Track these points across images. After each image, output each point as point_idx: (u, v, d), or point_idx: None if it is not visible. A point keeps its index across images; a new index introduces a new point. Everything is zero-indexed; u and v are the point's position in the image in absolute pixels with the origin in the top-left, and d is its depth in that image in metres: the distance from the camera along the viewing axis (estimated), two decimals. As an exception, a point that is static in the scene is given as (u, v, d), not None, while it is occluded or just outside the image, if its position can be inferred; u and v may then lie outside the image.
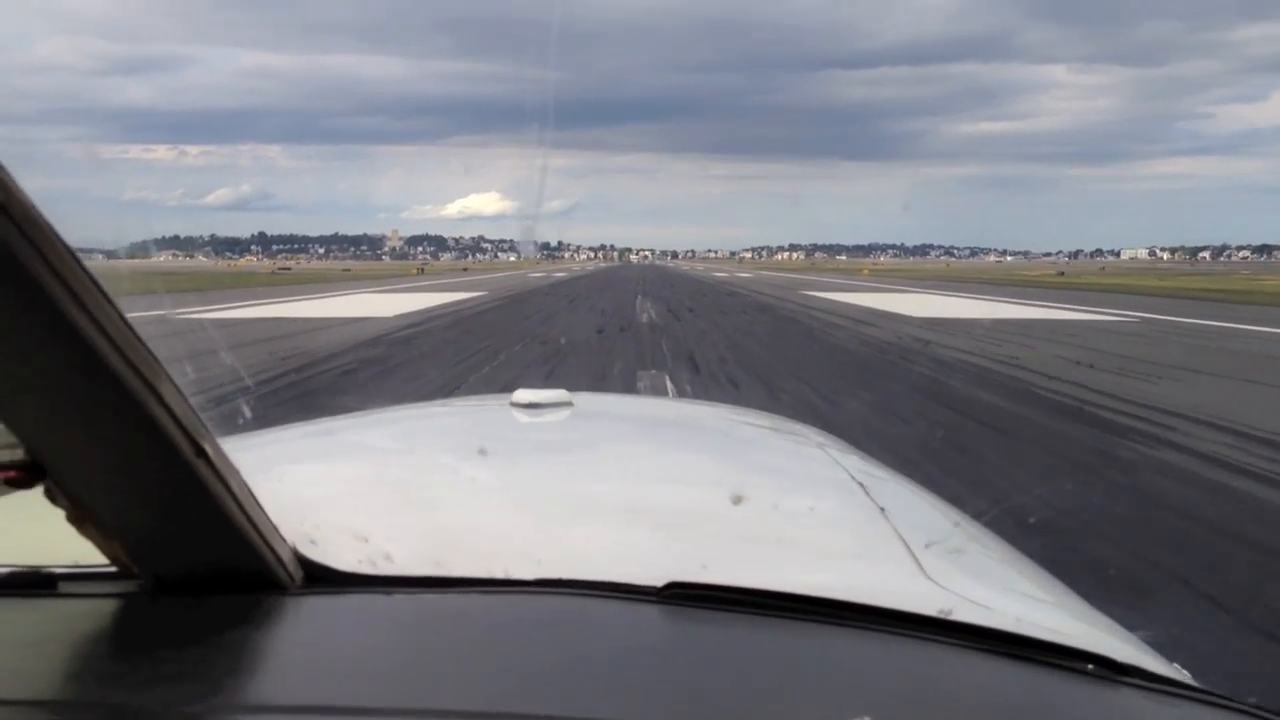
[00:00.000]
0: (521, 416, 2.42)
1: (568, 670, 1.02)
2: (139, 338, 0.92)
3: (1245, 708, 1.09)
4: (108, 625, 1.11)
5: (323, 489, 1.82)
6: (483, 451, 2.06)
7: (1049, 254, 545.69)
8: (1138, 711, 1.07)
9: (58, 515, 1.07)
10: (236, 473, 1.07)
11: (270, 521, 1.14)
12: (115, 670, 0.99)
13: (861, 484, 2.01)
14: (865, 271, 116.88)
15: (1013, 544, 1.93)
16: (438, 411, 3.23)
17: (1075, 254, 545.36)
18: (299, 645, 1.08)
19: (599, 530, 1.61)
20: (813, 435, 2.68)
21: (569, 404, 2.50)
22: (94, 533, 1.07)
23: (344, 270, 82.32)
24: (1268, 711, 1.08)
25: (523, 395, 2.47)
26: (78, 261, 0.86)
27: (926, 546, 1.64)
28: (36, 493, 1.03)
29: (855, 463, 2.27)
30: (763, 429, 2.83)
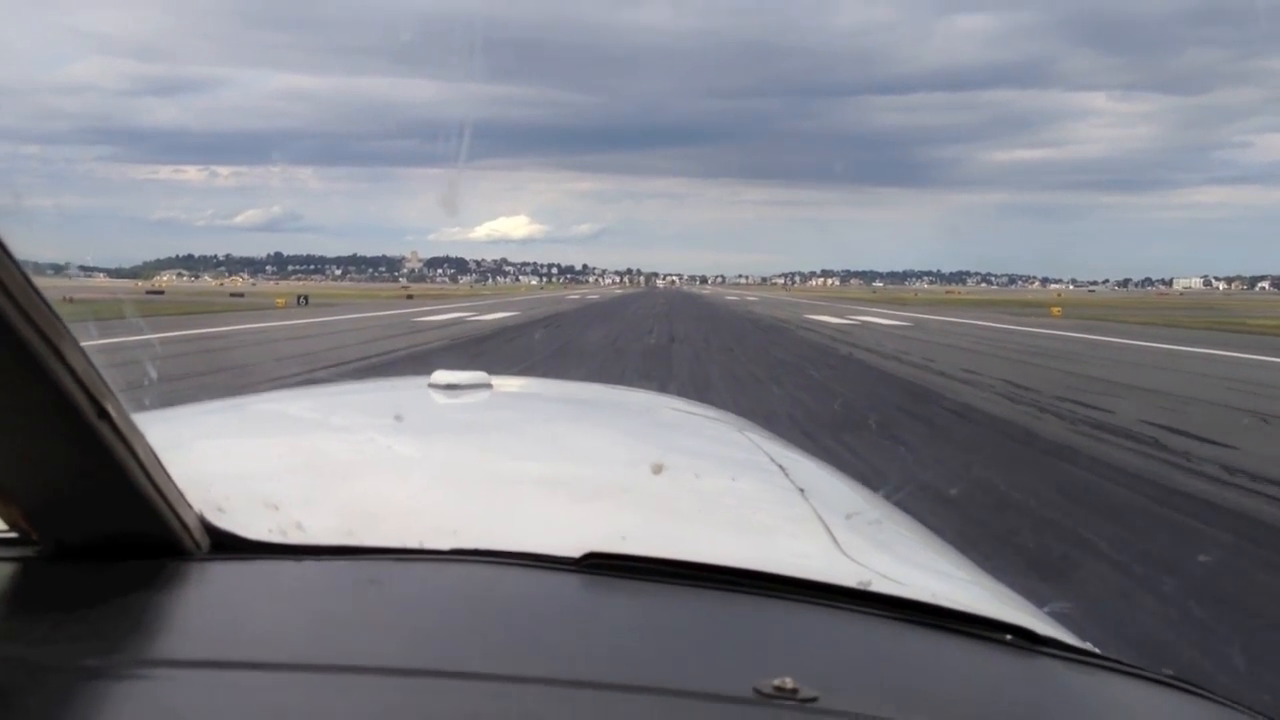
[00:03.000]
0: (439, 397, 2.43)
1: (482, 633, 1.01)
2: (41, 296, 0.90)
3: (1159, 677, 1.13)
4: (4, 589, 1.07)
5: (232, 460, 1.84)
6: (398, 418, 2.12)
7: (1094, 283, 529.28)
8: (1056, 679, 1.09)
9: None
10: (141, 436, 1.04)
11: (176, 488, 1.11)
12: (12, 628, 0.96)
13: (781, 466, 2.08)
14: (1054, 311, 63.64)
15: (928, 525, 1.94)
16: (353, 389, 3.25)
17: (1124, 282, 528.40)
18: (204, 607, 1.06)
19: (516, 503, 1.62)
20: (734, 421, 2.80)
21: (488, 385, 2.54)
22: None
23: (298, 298, 68.06)
24: (1181, 682, 1.13)
25: (441, 376, 2.49)
26: None
27: (847, 518, 1.73)
28: None
29: (776, 448, 2.32)
30: (684, 413, 2.91)
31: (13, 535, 1.10)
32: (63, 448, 1.00)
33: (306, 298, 72.36)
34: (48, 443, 0.99)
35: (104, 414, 0.98)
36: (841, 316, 50.07)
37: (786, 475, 2.00)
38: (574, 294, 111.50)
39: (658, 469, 1.71)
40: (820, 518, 1.67)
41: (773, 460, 2.13)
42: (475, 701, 0.90)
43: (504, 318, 45.46)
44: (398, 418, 2.08)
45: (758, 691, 0.91)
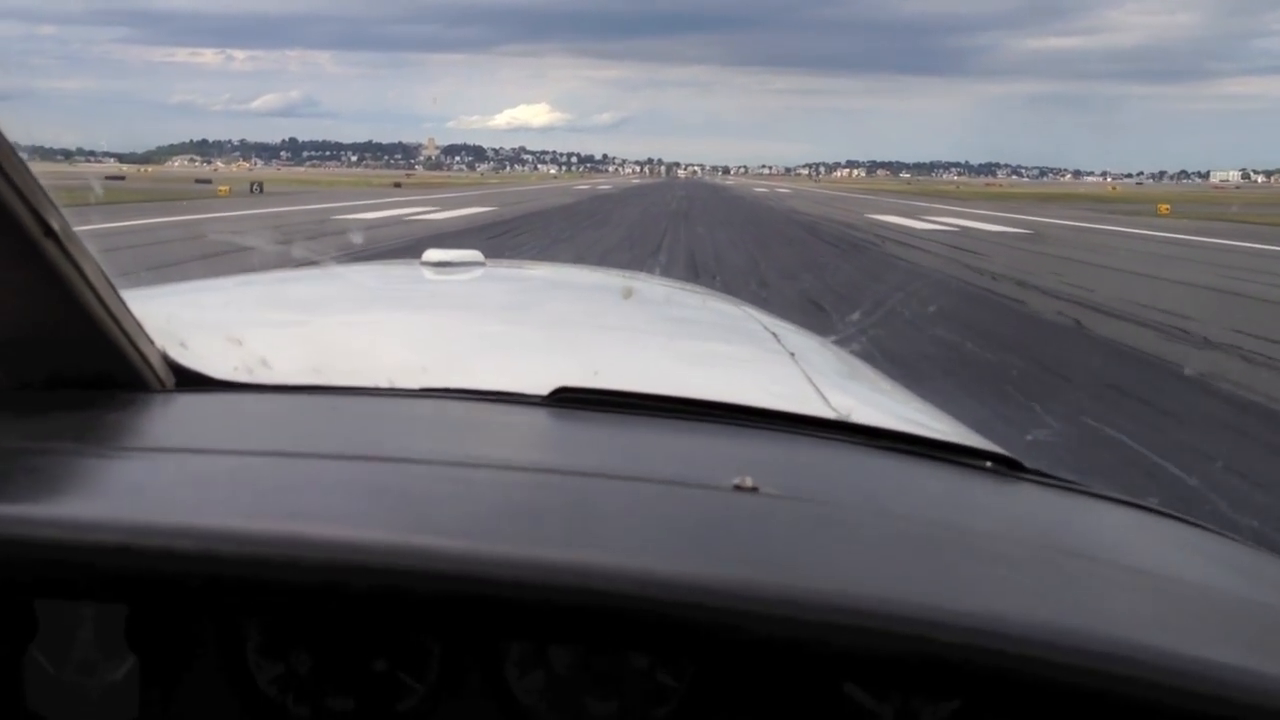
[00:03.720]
0: (429, 273, 2.43)
1: (451, 457, 1.01)
2: None
3: (1143, 504, 1.13)
4: None
5: (196, 305, 1.83)
6: (377, 291, 2.30)
7: (1129, 175, 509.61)
8: (1038, 501, 1.09)
9: None
10: (92, 259, 1.01)
11: (135, 320, 1.09)
12: None
13: (774, 334, 2.10)
14: (1165, 210, 48.31)
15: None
16: (341, 269, 3.15)
17: (1159, 175, 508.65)
18: (169, 436, 1.06)
19: (489, 349, 1.65)
20: (736, 301, 2.89)
21: (480, 263, 2.55)
22: None
23: (251, 186, 57.68)
24: (1164, 510, 1.13)
25: (433, 254, 2.47)
26: None
27: (835, 375, 1.77)
28: None
29: (776, 323, 2.33)
30: (682, 290, 3.16)
31: None
32: (10, 268, 0.96)
33: (261, 185, 62.22)
34: None
35: (50, 231, 0.94)
36: (915, 218, 38.21)
37: (779, 341, 2.03)
38: (583, 184, 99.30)
39: (627, 293, 1.94)
40: (806, 375, 1.68)
41: (766, 329, 2.16)
42: (440, 481, 0.92)
43: (467, 215, 34.53)
44: (375, 287, 2.27)
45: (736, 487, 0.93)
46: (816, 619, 0.73)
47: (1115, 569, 0.93)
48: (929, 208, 50.23)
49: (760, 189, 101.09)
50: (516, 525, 0.85)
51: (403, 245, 19.84)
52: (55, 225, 0.96)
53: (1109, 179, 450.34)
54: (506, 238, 24.56)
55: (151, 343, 1.13)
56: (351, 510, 0.86)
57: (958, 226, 32.85)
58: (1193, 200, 67.60)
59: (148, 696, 0.95)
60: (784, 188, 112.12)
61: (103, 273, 1.03)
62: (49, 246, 0.95)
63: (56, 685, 0.95)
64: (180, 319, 1.26)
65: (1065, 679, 0.69)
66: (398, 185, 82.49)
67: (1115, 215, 44.47)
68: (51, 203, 0.96)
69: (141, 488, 0.90)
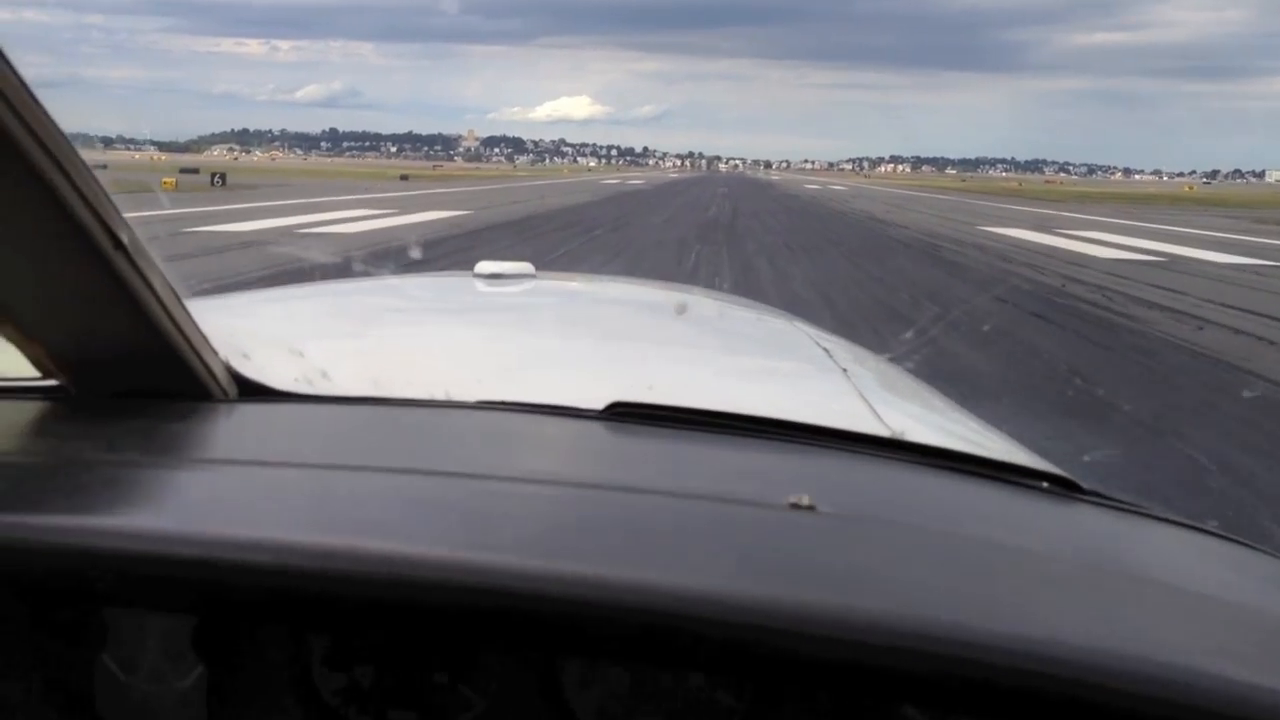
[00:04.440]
0: (482, 285, 2.45)
1: (509, 472, 1.03)
2: (54, 123, 0.89)
3: (1204, 528, 1.11)
4: (27, 426, 1.08)
5: (258, 316, 1.89)
6: (431, 293, 2.53)
7: (1180, 174, 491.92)
8: (1097, 524, 1.07)
9: None
10: (159, 272, 1.03)
11: (199, 330, 1.11)
12: (38, 465, 0.97)
13: (826, 350, 2.08)
14: None
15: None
16: (394, 281, 3.21)
17: (1213, 174, 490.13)
18: (231, 445, 1.08)
19: (545, 363, 1.67)
20: (786, 315, 2.83)
21: (532, 275, 2.55)
22: (13, 333, 1.04)
23: (213, 177, 48.35)
24: (1226, 534, 1.10)
25: (485, 266, 2.48)
26: None
27: (889, 391, 1.76)
28: None
29: (827, 337, 2.32)
30: (736, 305, 3.16)
31: (39, 378, 1.10)
32: (80, 280, 0.99)
33: (224, 176, 52.31)
34: (64, 274, 0.98)
35: (119, 244, 0.96)
36: (1055, 233, 26.83)
37: (831, 357, 2.01)
38: (613, 179, 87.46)
39: (681, 309, 1.91)
40: (860, 392, 1.67)
41: (819, 345, 2.16)
42: (499, 497, 0.94)
43: (414, 223, 24.12)
44: (430, 294, 2.42)
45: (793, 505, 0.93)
46: (875, 641, 0.73)
47: (1176, 593, 0.91)
48: (1043, 216, 38.60)
49: (811, 185, 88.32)
50: (576, 541, 0.87)
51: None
52: (124, 238, 0.97)
53: (1165, 177, 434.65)
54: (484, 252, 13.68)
55: (215, 354, 1.14)
56: (417, 526, 0.89)
57: (1156, 253, 21.16)
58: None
59: (214, 705, 0.97)
60: (837, 184, 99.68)
61: (169, 285, 1.04)
62: (118, 259, 0.97)
63: (126, 692, 0.97)
64: (243, 330, 1.31)
65: (1125, 706, 0.69)
66: (404, 178, 71.60)
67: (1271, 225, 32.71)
68: (120, 216, 0.97)
69: (211, 499, 0.92)
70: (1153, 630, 0.78)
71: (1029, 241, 23.92)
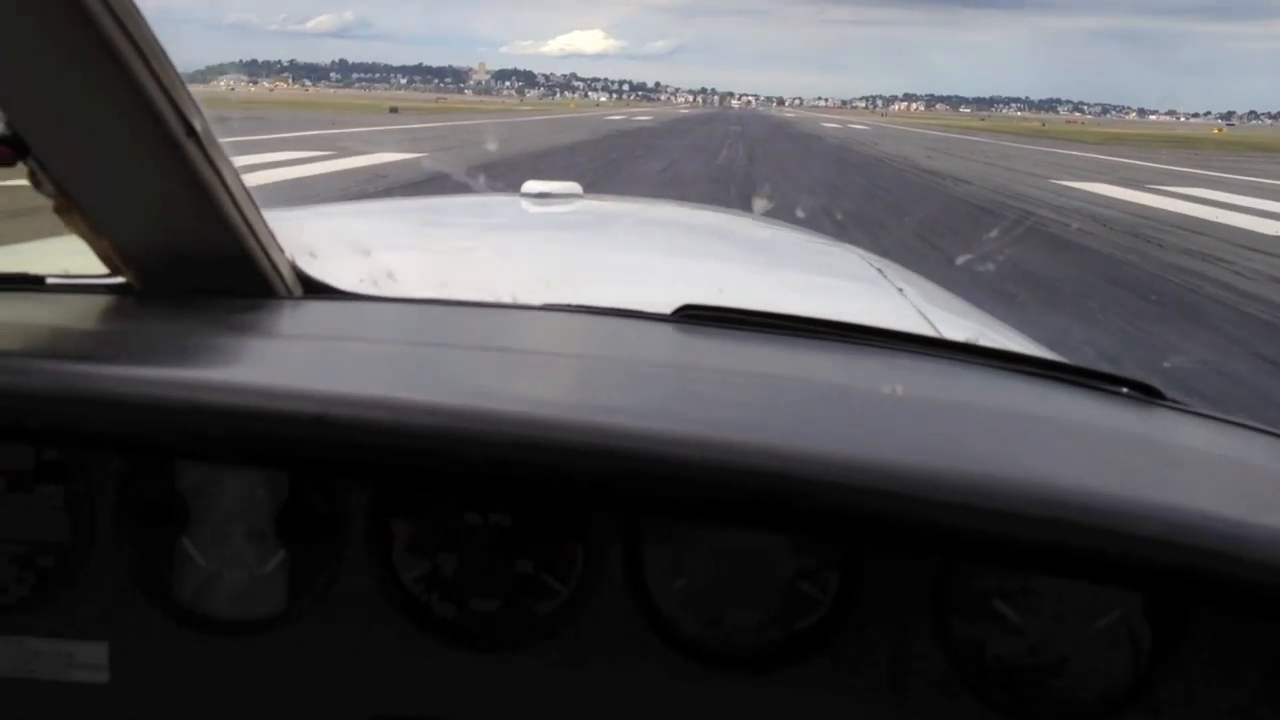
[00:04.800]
0: (528, 205, 2.44)
1: (581, 373, 1.02)
2: (138, 10, 0.87)
3: (1273, 431, 1.08)
4: (94, 320, 1.07)
5: (326, 217, 1.92)
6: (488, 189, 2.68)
7: (1196, 115, 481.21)
8: (1176, 429, 1.06)
9: (57, 241, 1.04)
10: (229, 163, 1.00)
11: (267, 226, 1.08)
12: (105, 357, 0.93)
13: (879, 270, 2.07)
14: None
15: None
16: (441, 200, 3.29)
17: (1228, 115, 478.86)
18: (296, 342, 1.05)
19: (606, 270, 1.67)
20: (838, 241, 2.79)
21: (580, 195, 2.54)
22: (81, 225, 1.01)
23: None
24: None
25: (531, 186, 2.45)
26: None
27: (947, 311, 1.74)
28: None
29: (879, 259, 2.28)
30: (788, 229, 3.11)
31: (105, 275, 1.08)
32: (150, 167, 0.96)
33: None
34: (135, 161, 0.95)
35: (192, 131, 0.94)
36: (1158, 191, 21.09)
37: (885, 276, 1.99)
38: (617, 115, 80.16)
39: (764, 207, 3.35)
40: (919, 309, 1.67)
41: (869, 264, 2.15)
42: (582, 372, 0.95)
43: (362, 167, 19.30)
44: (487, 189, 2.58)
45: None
46: (974, 503, 0.73)
47: (1258, 487, 0.90)
48: (1109, 164, 32.73)
49: (830, 124, 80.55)
50: (683, 409, 0.86)
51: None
52: (197, 125, 0.94)
53: (1184, 118, 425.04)
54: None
55: (282, 252, 1.11)
56: (503, 386, 0.88)
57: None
58: None
59: (295, 590, 0.98)
60: (857, 123, 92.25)
61: (239, 178, 1.01)
62: (190, 146, 0.94)
63: (207, 577, 0.98)
64: (311, 229, 1.26)
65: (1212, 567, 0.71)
66: (393, 110, 65.63)
67: None
68: (194, 102, 0.93)
69: (286, 365, 0.93)
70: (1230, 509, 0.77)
71: (1141, 206, 18.21)
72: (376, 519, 0.96)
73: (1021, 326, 1.89)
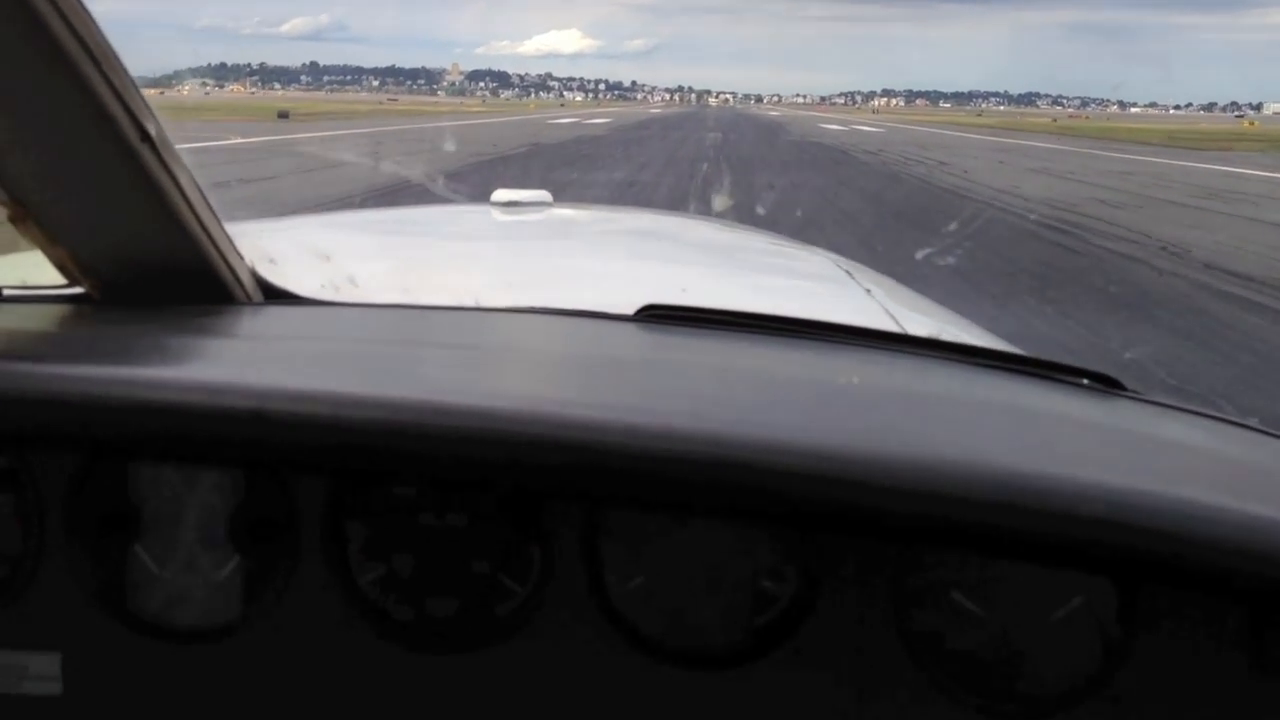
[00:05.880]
0: (499, 214, 2.44)
1: (540, 370, 1.02)
2: (84, 8, 0.86)
3: (1246, 424, 1.09)
4: (48, 327, 1.06)
5: (287, 225, 1.88)
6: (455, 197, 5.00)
7: (1177, 106, 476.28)
8: (1135, 417, 1.07)
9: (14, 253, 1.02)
10: (185, 169, 0.99)
11: (225, 232, 1.07)
12: (62, 366, 0.92)
13: (848, 272, 2.08)
14: None
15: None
16: (413, 210, 3.44)
17: (1209, 106, 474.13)
18: (254, 349, 1.04)
19: (573, 273, 1.66)
20: (814, 249, 2.74)
21: (549, 203, 2.56)
22: (37, 234, 0.99)
23: None
24: (1269, 431, 1.08)
25: (501, 194, 2.46)
26: None
27: (911, 310, 1.73)
28: None
29: (845, 261, 2.30)
30: (758, 234, 3.20)
31: (63, 285, 1.07)
32: (106, 174, 0.94)
33: None
34: (90, 167, 0.94)
35: (146, 136, 0.93)
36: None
37: (853, 278, 1.99)
38: (564, 118, 66.36)
39: (724, 205, 3.02)
40: (885, 308, 1.67)
41: (838, 266, 2.15)
42: (543, 366, 0.94)
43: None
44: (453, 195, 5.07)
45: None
46: (931, 487, 0.75)
47: (1217, 474, 0.91)
48: (1162, 170, 24.41)
49: (832, 126, 67.22)
50: (639, 402, 0.87)
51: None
52: (152, 130, 0.93)
53: (1172, 110, 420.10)
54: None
55: (241, 258, 1.10)
56: (460, 381, 0.88)
57: None
58: None
59: (251, 596, 0.97)
60: (861, 124, 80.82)
61: (195, 184, 1.00)
62: (145, 152, 0.93)
63: (160, 584, 0.96)
64: (270, 236, 1.24)
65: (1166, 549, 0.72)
66: (282, 116, 51.55)
67: None
68: (148, 107, 0.92)
69: (233, 365, 0.92)
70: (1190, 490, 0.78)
71: None
72: (331, 522, 0.95)
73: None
